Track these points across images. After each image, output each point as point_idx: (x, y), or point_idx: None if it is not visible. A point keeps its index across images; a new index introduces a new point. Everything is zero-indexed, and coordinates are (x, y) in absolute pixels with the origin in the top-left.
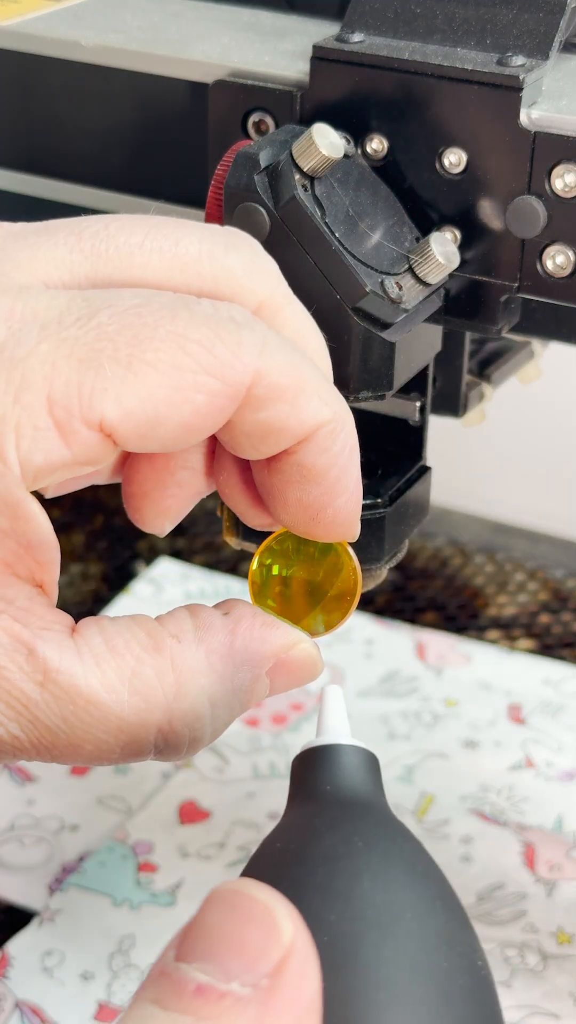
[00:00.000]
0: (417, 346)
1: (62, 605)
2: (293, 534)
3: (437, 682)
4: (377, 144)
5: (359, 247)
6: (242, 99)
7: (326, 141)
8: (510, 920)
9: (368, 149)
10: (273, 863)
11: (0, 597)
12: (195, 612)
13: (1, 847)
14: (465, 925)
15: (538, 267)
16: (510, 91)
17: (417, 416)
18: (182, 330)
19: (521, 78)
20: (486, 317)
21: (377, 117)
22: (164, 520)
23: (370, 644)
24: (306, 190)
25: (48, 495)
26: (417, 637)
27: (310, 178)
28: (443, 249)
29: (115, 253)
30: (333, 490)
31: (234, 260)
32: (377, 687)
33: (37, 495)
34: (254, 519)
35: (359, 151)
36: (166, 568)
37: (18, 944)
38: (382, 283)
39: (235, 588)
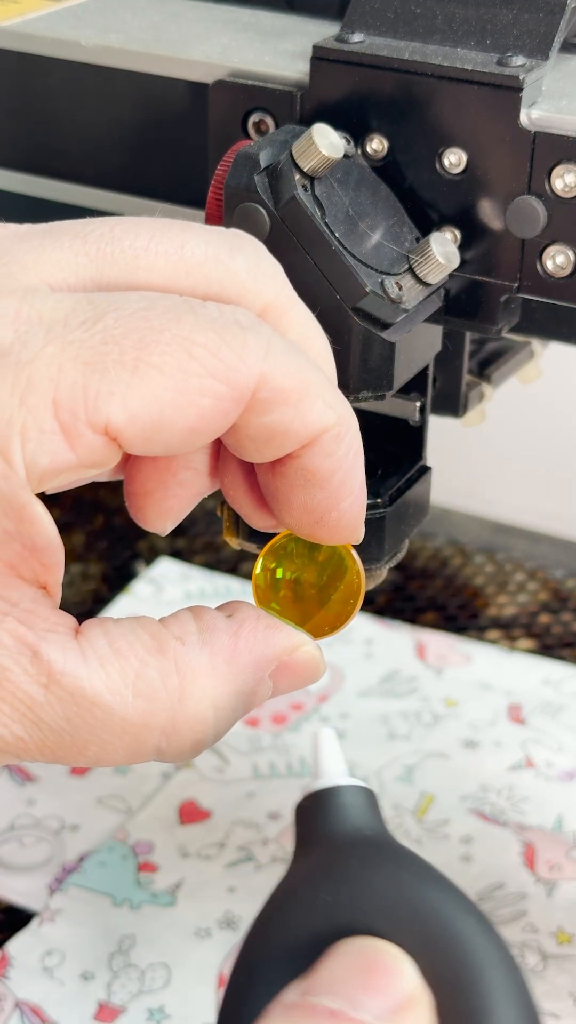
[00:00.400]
0: (417, 346)
1: (62, 605)
2: (297, 536)
3: (437, 682)
4: (377, 144)
5: (359, 247)
6: (242, 99)
7: (326, 141)
8: (510, 920)
9: (368, 149)
10: (320, 915)
11: (5, 599)
12: (199, 614)
13: (1, 847)
14: (503, 944)
15: (538, 267)
16: (510, 91)
17: (417, 416)
18: (187, 334)
19: (521, 78)
20: (486, 317)
21: (377, 117)
22: (166, 519)
23: (370, 644)
24: (306, 190)
25: (49, 491)
26: (417, 637)
27: (310, 178)
28: (443, 249)
29: (120, 256)
30: (337, 494)
31: (239, 263)
32: (377, 687)
33: (41, 495)
34: (258, 521)
35: (359, 151)
36: (166, 568)
37: (18, 944)
38: (382, 283)
39: (235, 588)
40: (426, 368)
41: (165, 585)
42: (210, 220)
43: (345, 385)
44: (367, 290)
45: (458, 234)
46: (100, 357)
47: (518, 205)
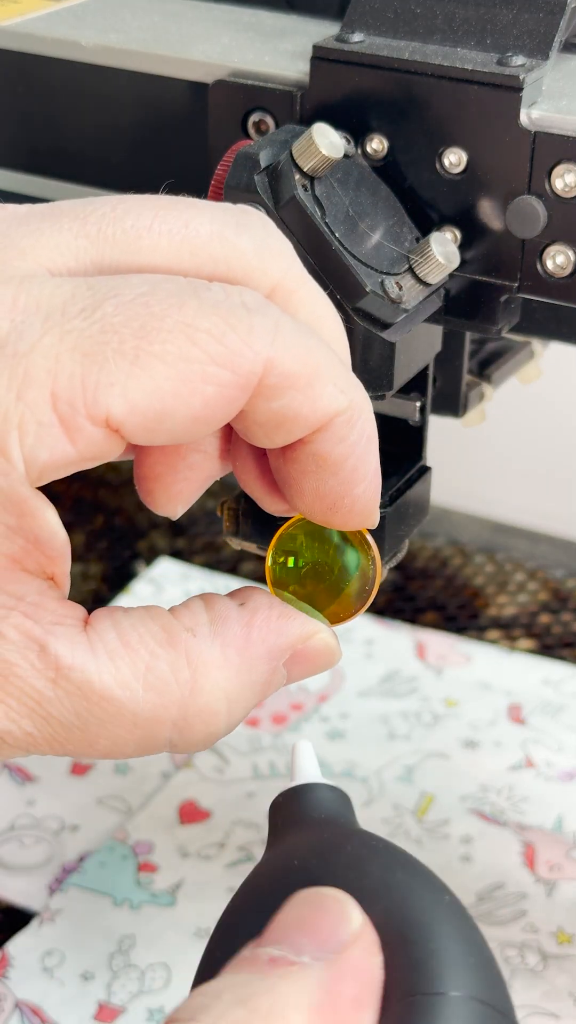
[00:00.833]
0: (417, 346)
1: None
2: (311, 523)
3: (437, 682)
4: (377, 144)
5: (359, 247)
6: (242, 99)
7: (326, 141)
8: (510, 920)
9: (368, 149)
10: (288, 881)
11: (10, 594)
12: (211, 603)
13: (1, 847)
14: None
15: (538, 267)
16: (510, 91)
17: (417, 416)
18: (191, 319)
19: (521, 78)
20: (486, 317)
21: (377, 117)
22: (176, 503)
23: (370, 644)
24: (306, 190)
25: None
26: (417, 637)
27: (310, 178)
28: (443, 249)
29: (122, 237)
30: (351, 479)
31: (245, 241)
32: (377, 687)
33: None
34: (271, 505)
35: (359, 151)
36: (166, 568)
37: (18, 944)
38: (382, 283)
39: (235, 588)
40: (426, 368)
41: (165, 585)
42: None
43: None
44: (367, 290)
45: (458, 234)
46: (99, 347)
47: (518, 205)
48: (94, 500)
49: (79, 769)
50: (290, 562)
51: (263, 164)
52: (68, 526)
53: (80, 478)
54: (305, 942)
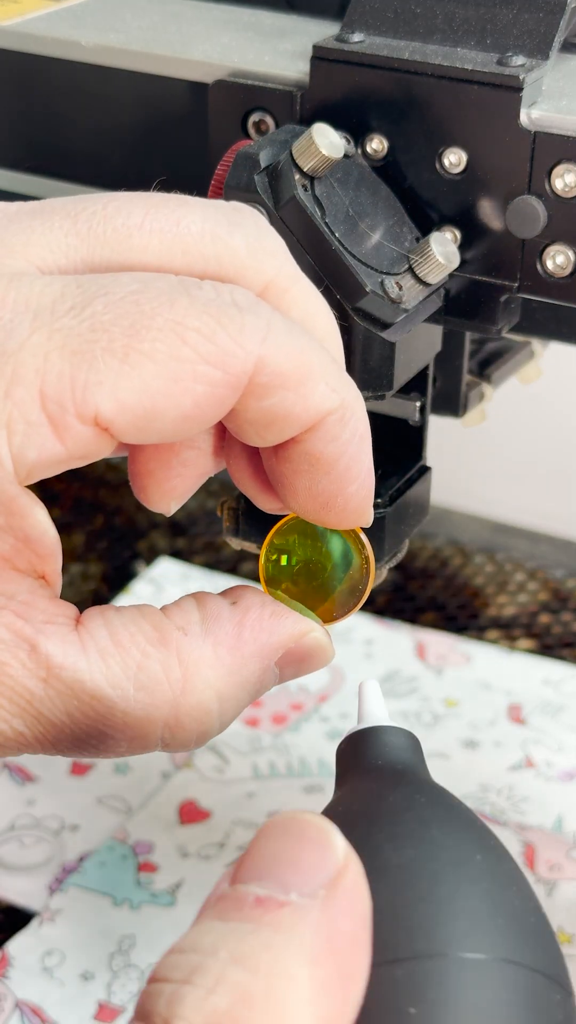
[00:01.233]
0: (417, 346)
1: None
2: (304, 521)
3: (437, 682)
4: (377, 144)
5: (359, 247)
6: (242, 99)
7: (326, 141)
8: None
9: (368, 149)
10: (337, 823)
11: (0, 592)
12: (202, 602)
13: (1, 847)
14: (521, 873)
15: (538, 267)
16: (510, 91)
17: (417, 416)
18: (181, 318)
19: (521, 78)
20: (486, 317)
21: (377, 117)
22: (170, 499)
23: (370, 644)
24: (306, 190)
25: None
26: (417, 637)
27: (310, 178)
28: (443, 249)
29: (113, 235)
30: (344, 479)
31: (238, 240)
32: None
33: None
34: (265, 503)
35: (359, 151)
36: (166, 568)
37: (18, 944)
38: (382, 283)
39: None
40: (426, 368)
41: (165, 585)
42: None
43: None
44: (367, 290)
45: (458, 234)
46: (88, 345)
47: (518, 205)
48: (94, 500)
49: (79, 769)
50: (283, 560)
51: (263, 164)
52: (68, 526)
53: (80, 478)
54: (290, 877)
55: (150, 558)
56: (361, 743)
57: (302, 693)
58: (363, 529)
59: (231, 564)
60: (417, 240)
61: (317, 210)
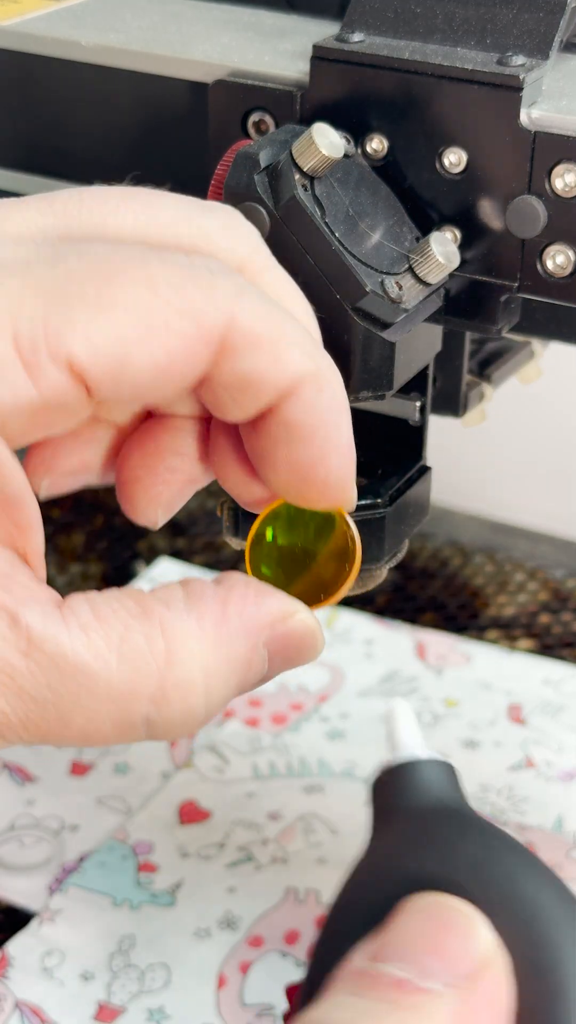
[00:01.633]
0: (417, 346)
1: None
2: (289, 505)
3: (437, 682)
4: (377, 144)
5: (359, 247)
6: (242, 99)
7: (326, 141)
8: None
9: (368, 149)
10: (400, 878)
11: None
12: (186, 583)
13: (1, 847)
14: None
15: (538, 267)
16: (510, 91)
17: (417, 416)
18: (154, 272)
19: (521, 78)
20: (486, 317)
21: (377, 117)
22: (156, 508)
23: (370, 644)
24: (306, 190)
25: (42, 495)
26: (417, 637)
27: (310, 178)
28: (443, 249)
29: (87, 217)
30: (323, 449)
31: (211, 221)
32: (377, 687)
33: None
34: (248, 494)
35: (359, 151)
36: (166, 568)
37: (18, 944)
38: (382, 283)
39: None
40: (426, 368)
41: None
42: None
43: (345, 385)
44: (367, 290)
45: (458, 234)
46: (62, 292)
47: (518, 205)
48: (94, 500)
49: (79, 769)
50: (268, 542)
51: (263, 164)
52: (68, 526)
53: None
54: (432, 964)
55: (150, 558)
56: (399, 779)
57: (302, 693)
58: (361, 530)
59: (231, 564)
60: (417, 240)
61: (317, 210)
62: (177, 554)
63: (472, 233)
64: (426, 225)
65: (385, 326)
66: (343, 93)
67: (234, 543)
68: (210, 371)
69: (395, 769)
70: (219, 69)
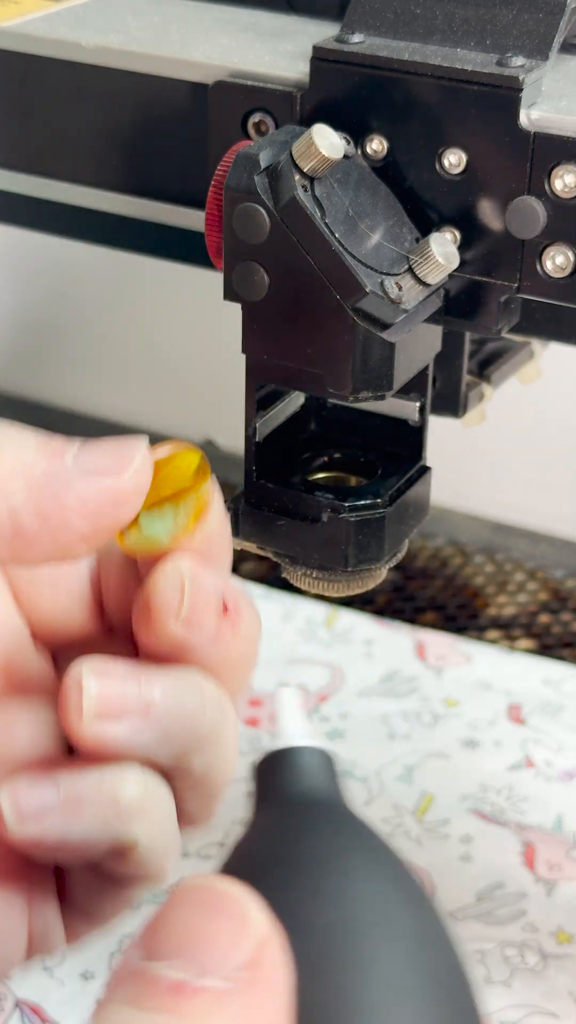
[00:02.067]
0: (417, 346)
1: None
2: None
3: (437, 682)
4: (377, 145)
5: (359, 247)
6: (242, 100)
7: (326, 142)
8: (510, 920)
9: (368, 150)
10: (252, 868)
11: None
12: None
13: None
14: (444, 923)
15: (538, 267)
16: (510, 92)
17: (417, 416)
18: None
19: (521, 79)
20: (486, 317)
21: (377, 118)
22: None
23: (370, 644)
24: (306, 191)
25: None
26: (417, 637)
27: (310, 179)
28: (443, 249)
29: None
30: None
31: None
32: (377, 687)
33: None
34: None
35: (359, 152)
36: None
37: None
38: (382, 283)
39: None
40: (426, 368)
41: None
42: (210, 220)
43: (345, 385)
44: (367, 290)
45: (458, 234)
46: None
47: (518, 205)
48: None
49: None
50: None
51: (263, 165)
52: None
53: None
54: (206, 956)
55: None
56: (276, 765)
57: (302, 693)
58: (361, 529)
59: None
60: (417, 240)
61: (317, 211)
62: None
63: (472, 234)
64: (426, 226)
65: (385, 326)
66: (343, 94)
67: (234, 543)
68: None
69: (272, 755)
70: (219, 70)
